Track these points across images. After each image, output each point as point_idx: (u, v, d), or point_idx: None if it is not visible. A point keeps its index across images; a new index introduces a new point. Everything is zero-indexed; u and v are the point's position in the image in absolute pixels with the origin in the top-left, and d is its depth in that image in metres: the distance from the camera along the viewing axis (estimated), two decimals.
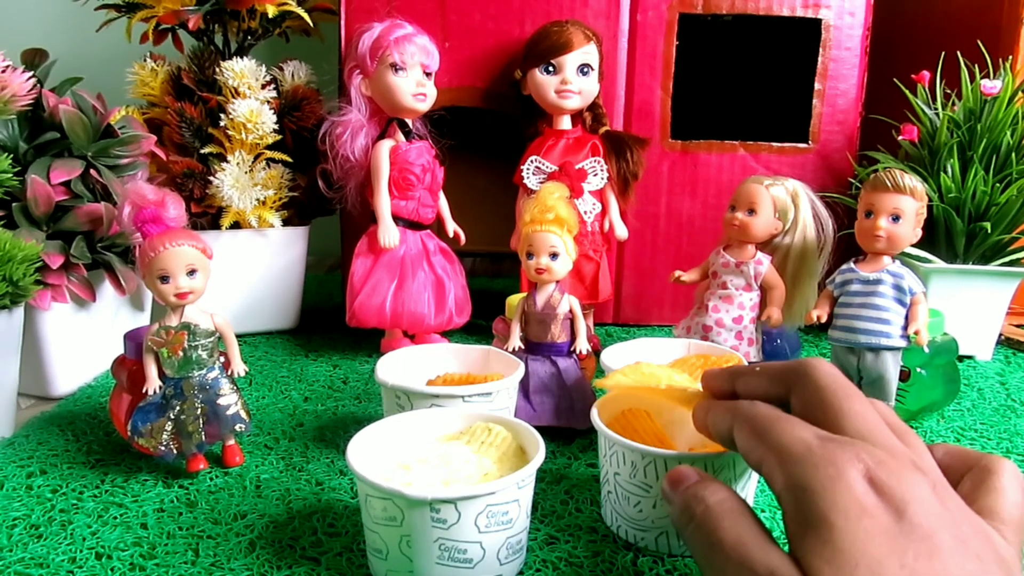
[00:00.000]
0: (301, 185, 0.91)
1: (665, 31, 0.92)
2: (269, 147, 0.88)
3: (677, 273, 0.75)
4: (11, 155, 0.68)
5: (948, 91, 0.88)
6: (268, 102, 0.86)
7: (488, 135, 0.99)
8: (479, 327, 0.95)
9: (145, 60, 0.90)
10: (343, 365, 0.84)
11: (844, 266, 0.66)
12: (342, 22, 0.91)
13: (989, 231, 0.83)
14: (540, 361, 0.66)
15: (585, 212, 0.86)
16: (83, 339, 0.76)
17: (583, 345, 0.65)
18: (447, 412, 0.52)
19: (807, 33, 0.94)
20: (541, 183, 0.84)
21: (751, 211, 0.70)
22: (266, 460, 0.61)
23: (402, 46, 0.81)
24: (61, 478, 0.57)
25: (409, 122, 0.85)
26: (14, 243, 0.63)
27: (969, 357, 0.88)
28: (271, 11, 0.88)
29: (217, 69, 0.86)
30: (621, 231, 0.89)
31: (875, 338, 0.63)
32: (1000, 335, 0.92)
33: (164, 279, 0.55)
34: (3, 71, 0.66)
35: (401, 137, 0.84)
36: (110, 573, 0.45)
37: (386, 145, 0.83)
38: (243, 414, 0.59)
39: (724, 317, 0.71)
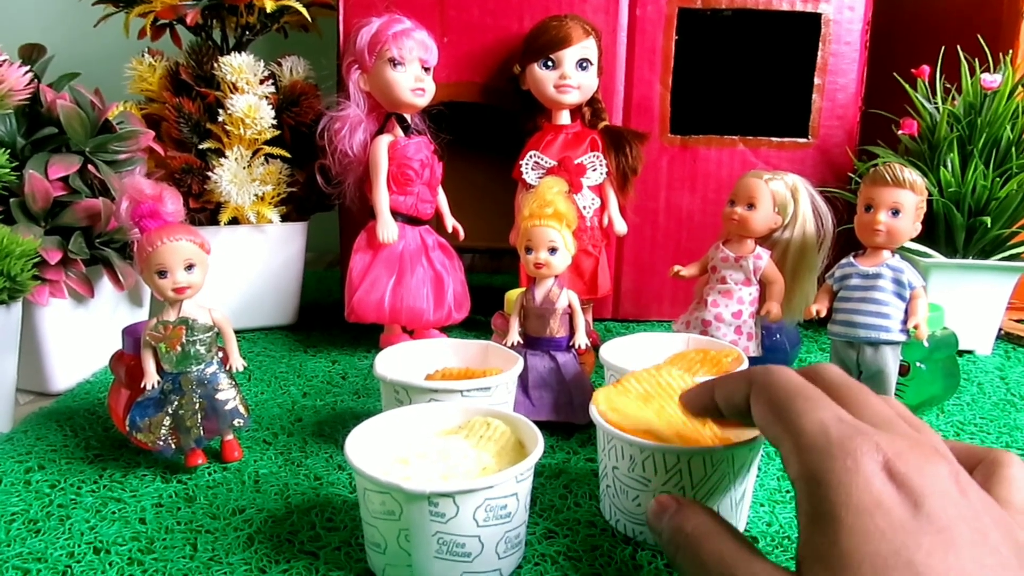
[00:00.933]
0: (299, 180, 0.91)
1: (664, 26, 0.92)
2: (267, 142, 0.88)
3: (676, 268, 0.75)
4: (9, 150, 0.68)
5: (948, 85, 0.88)
6: (266, 97, 0.86)
7: (487, 130, 0.99)
8: (478, 323, 0.95)
9: (143, 55, 0.90)
10: (342, 360, 0.84)
11: (843, 260, 0.66)
12: (340, 17, 0.91)
13: (989, 225, 0.83)
14: (539, 356, 0.66)
15: (584, 207, 0.86)
16: (81, 335, 0.76)
17: (582, 340, 0.65)
18: (445, 406, 0.52)
19: (807, 27, 0.93)
20: (540, 178, 0.84)
21: (750, 206, 0.70)
22: (265, 455, 0.61)
23: (400, 41, 0.81)
24: (59, 473, 0.57)
25: (408, 117, 0.85)
26: (12, 239, 0.63)
27: (969, 352, 0.88)
28: (269, 6, 0.88)
29: (215, 64, 0.86)
30: (620, 226, 0.89)
31: (875, 332, 0.62)
32: (1000, 330, 0.92)
33: (162, 274, 0.55)
34: (0, 66, 0.66)
35: (400, 132, 0.84)
36: (108, 568, 0.45)
37: (385, 140, 0.83)
38: (241, 409, 0.59)
39: (723, 312, 0.71)
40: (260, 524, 0.50)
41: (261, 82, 0.86)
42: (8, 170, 0.67)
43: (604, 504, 0.51)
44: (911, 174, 0.62)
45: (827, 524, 0.30)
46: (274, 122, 0.86)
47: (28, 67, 0.69)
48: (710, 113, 1.01)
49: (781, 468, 0.59)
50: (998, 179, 0.82)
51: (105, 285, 0.77)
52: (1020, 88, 0.83)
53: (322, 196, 0.90)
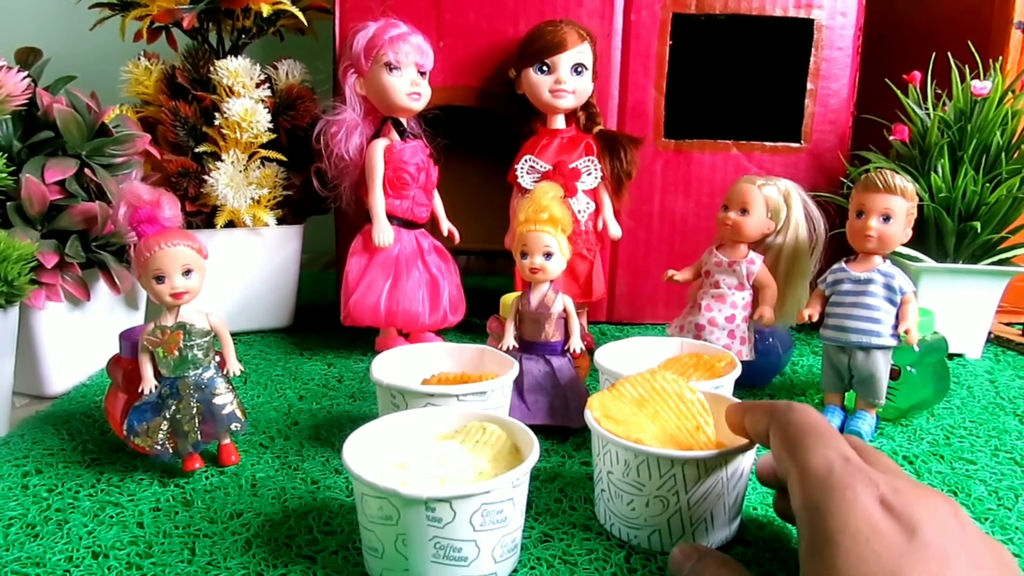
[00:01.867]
0: (296, 184, 0.92)
1: (659, 31, 0.93)
2: (264, 146, 0.88)
3: (670, 272, 0.75)
4: (5, 154, 0.68)
5: (939, 91, 0.89)
6: (262, 101, 0.86)
7: (482, 134, 0.99)
8: (474, 326, 0.95)
9: (139, 59, 0.90)
10: (338, 364, 0.85)
11: (835, 265, 0.66)
12: (336, 21, 0.91)
13: (979, 230, 0.84)
14: (534, 360, 0.66)
15: (579, 211, 0.86)
16: (78, 338, 0.77)
17: (577, 344, 0.66)
18: (442, 411, 0.52)
19: (799, 33, 0.94)
20: (535, 182, 0.84)
21: (744, 211, 0.70)
22: (262, 459, 0.61)
23: (396, 45, 0.81)
24: (57, 477, 0.57)
25: (404, 121, 0.85)
26: (8, 242, 0.63)
27: (959, 355, 0.89)
28: (265, 10, 0.88)
29: (211, 68, 0.86)
30: (615, 230, 0.89)
31: (866, 337, 0.63)
32: (990, 333, 0.93)
33: (160, 279, 0.55)
34: None
35: (396, 136, 0.84)
36: (107, 572, 0.46)
37: (381, 144, 0.83)
38: (239, 413, 0.59)
39: (717, 316, 0.72)
40: (257, 528, 0.51)
41: (257, 86, 0.87)
42: (5, 174, 0.67)
43: (599, 508, 0.52)
44: (902, 180, 0.62)
45: (825, 549, 0.32)
46: (270, 126, 0.87)
47: (25, 71, 0.70)
48: (704, 118, 1.02)
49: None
50: (988, 184, 0.83)
51: (101, 289, 0.77)
52: (1010, 94, 0.84)
53: (318, 199, 0.90)
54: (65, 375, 0.76)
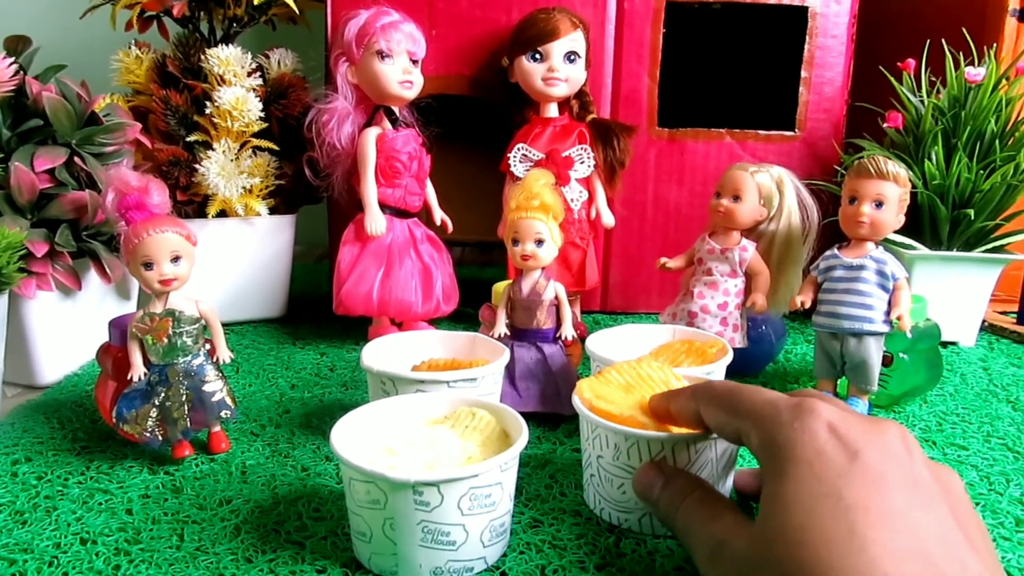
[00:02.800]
0: (288, 173, 0.91)
1: (652, 19, 0.92)
2: (255, 135, 0.87)
3: (663, 260, 0.75)
4: None
5: (933, 79, 0.89)
6: (254, 90, 0.86)
7: (475, 123, 0.99)
8: (467, 315, 0.95)
9: (130, 47, 0.90)
10: (330, 353, 0.85)
11: (828, 252, 0.66)
12: (328, 9, 0.91)
13: (973, 218, 0.83)
14: (526, 347, 0.66)
15: (572, 200, 0.86)
16: (69, 327, 0.76)
17: (568, 331, 0.66)
18: (431, 397, 0.52)
19: (793, 21, 0.94)
20: (528, 170, 0.84)
21: (736, 198, 0.70)
22: (252, 446, 0.61)
23: (388, 33, 0.81)
24: (46, 465, 0.57)
25: (396, 110, 0.85)
26: None
27: (953, 343, 0.89)
28: None
29: (202, 57, 0.86)
30: (608, 219, 0.89)
31: (858, 323, 0.63)
32: (983, 321, 0.92)
33: (148, 266, 0.55)
34: None
35: (388, 125, 0.84)
36: (95, 558, 0.45)
37: (372, 133, 0.83)
38: (228, 401, 0.59)
39: (709, 303, 0.72)
40: (247, 514, 0.50)
41: (249, 74, 0.86)
42: None
43: (588, 493, 0.52)
44: (895, 166, 0.62)
45: (777, 478, 0.34)
46: (262, 115, 0.86)
47: (13, 59, 0.69)
48: (697, 106, 1.02)
49: None
50: (982, 172, 0.83)
51: (92, 278, 0.77)
52: (1004, 81, 0.84)
53: (310, 189, 0.90)
54: (56, 365, 0.76)
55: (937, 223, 0.86)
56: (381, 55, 0.81)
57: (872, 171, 0.62)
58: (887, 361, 0.68)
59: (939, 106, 0.86)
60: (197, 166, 0.85)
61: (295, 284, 1.01)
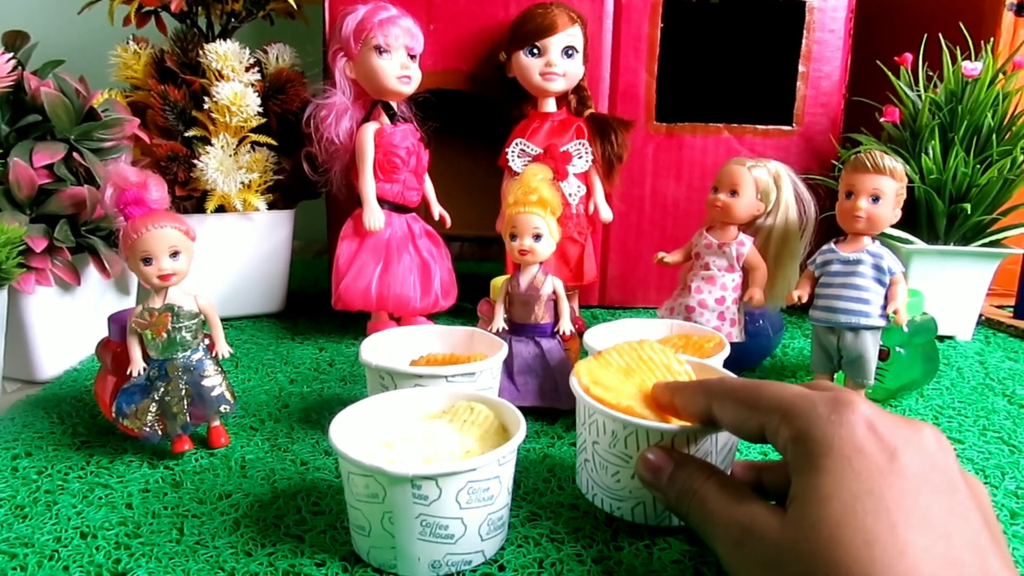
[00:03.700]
0: (286, 168, 0.91)
1: (650, 13, 0.92)
2: (254, 130, 0.87)
3: (660, 255, 0.75)
4: None
5: (930, 73, 0.89)
6: (252, 85, 0.86)
7: (473, 118, 0.99)
8: (466, 310, 0.95)
9: (128, 43, 0.89)
10: (329, 348, 0.85)
11: (825, 246, 0.66)
12: (326, 4, 0.91)
13: (970, 212, 0.84)
14: (524, 342, 0.66)
15: (570, 194, 0.86)
16: (68, 323, 0.76)
17: (566, 326, 0.66)
18: (430, 391, 0.53)
19: (791, 15, 0.94)
20: (526, 166, 0.84)
21: (733, 192, 0.70)
22: (251, 441, 0.61)
23: (386, 28, 0.81)
24: (46, 460, 0.57)
25: (394, 105, 0.85)
26: None
27: (950, 337, 0.89)
28: None
29: (200, 52, 0.86)
30: (606, 213, 0.89)
31: (855, 317, 0.63)
32: (980, 315, 0.93)
33: (147, 261, 0.55)
34: None
35: (386, 120, 0.84)
36: (95, 552, 0.46)
37: (371, 128, 0.83)
38: (228, 395, 0.59)
39: (707, 298, 0.72)
40: (246, 508, 0.51)
41: (247, 69, 0.86)
42: None
43: (581, 477, 0.52)
44: (891, 161, 0.62)
45: (811, 470, 0.33)
46: (260, 110, 0.86)
47: (12, 54, 0.69)
48: (695, 101, 1.02)
49: (762, 448, 0.60)
50: (979, 166, 0.83)
51: (91, 273, 0.77)
52: (1001, 76, 0.84)
53: (309, 184, 0.90)
54: (56, 360, 0.76)
55: (934, 217, 0.86)
56: (379, 50, 0.81)
57: (869, 166, 0.62)
58: (884, 355, 0.68)
59: (936, 101, 0.86)
60: (195, 161, 0.85)
61: (294, 279, 1.01)
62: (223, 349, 0.60)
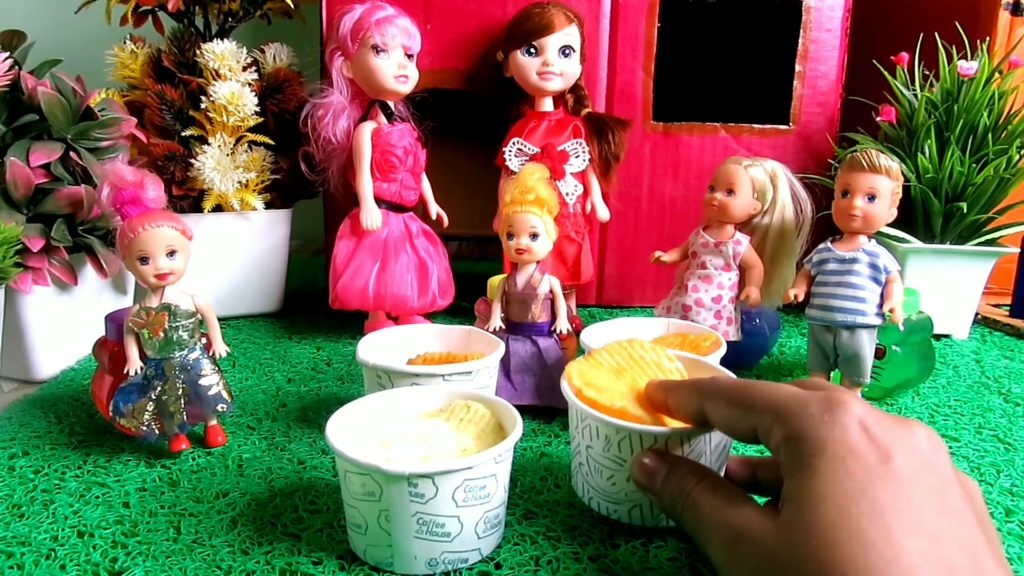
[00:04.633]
0: (283, 168, 0.91)
1: (647, 12, 0.92)
2: (251, 129, 0.88)
3: (657, 254, 0.75)
4: None
5: (926, 72, 0.89)
6: (249, 84, 0.86)
7: (470, 117, 0.99)
8: (463, 309, 0.96)
9: (125, 42, 0.90)
10: (326, 347, 0.85)
11: (821, 245, 0.67)
12: (323, 4, 0.91)
13: (966, 211, 0.84)
14: (521, 341, 0.66)
15: (567, 194, 0.86)
16: (65, 322, 0.76)
17: (563, 325, 0.66)
18: (426, 390, 0.53)
19: (788, 15, 0.94)
20: (522, 165, 0.84)
21: (730, 191, 0.70)
22: (249, 440, 0.61)
23: (383, 28, 0.81)
24: (43, 459, 0.58)
25: (391, 104, 0.85)
26: None
27: (946, 336, 0.90)
28: None
29: (198, 51, 0.86)
30: (603, 213, 0.89)
31: (851, 316, 0.63)
32: (976, 314, 0.93)
33: (144, 260, 0.55)
34: None
35: (383, 119, 0.84)
36: (92, 551, 0.46)
37: (368, 127, 0.83)
38: (225, 394, 0.59)
39: (703, 296, 0.72)
40: (243, 507, 0.51)
41: (244, 69, 0.86)
42: None
43: (576, 481, 0.52)
44: (887, 160, 0.62)
45: (804, 471, 0.33)
46: (257, 109, 0.86)
47: (8, 54, 0.69)
48: (692, 100, 1.02)
49: (756, 449, 0.60)
50: (975, 165, 0.83)
51: (88, 273, 0.77)
52: (997, 75, 0.84)
53: (306, 183, 0.90)
54: (53, 360, 0.76)
55: (930, 216, 0.86)
56: (376, 49, 0.81)
57: (865, 165, 0.63)
58: (880, 354, 0.68)
59: (932, 100, 0.86)
60: (193, 161, 0.85)
61: (291, 279, 1.01)
62: (220, 348, 0.60)
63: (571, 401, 0.49)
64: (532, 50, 0.85)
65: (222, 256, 0.91)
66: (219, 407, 0.59)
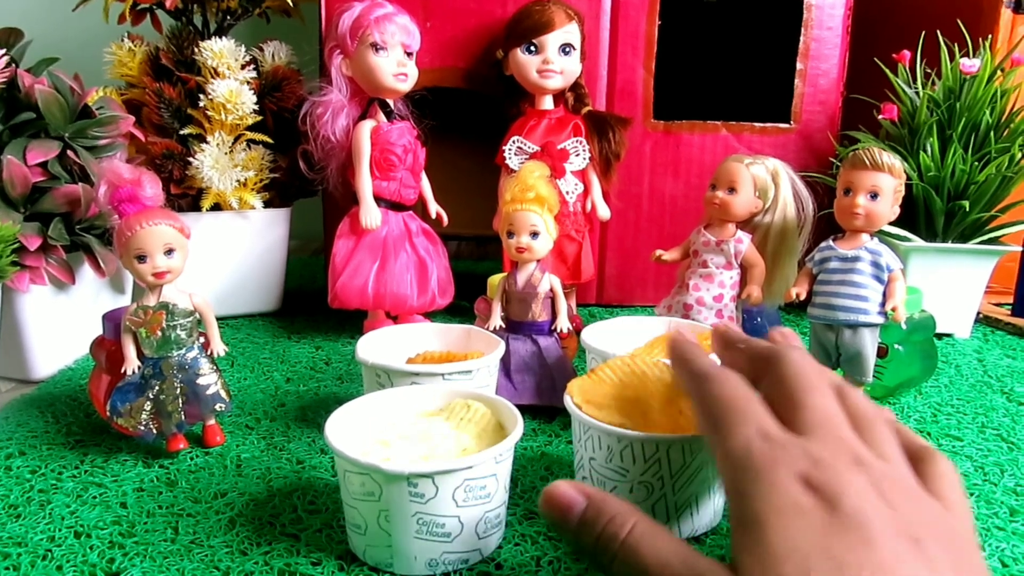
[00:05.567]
0: (282, 166, 0.91)
1: (647, 10, 0.92)
2: (249, 128, 0.87)
3: (658, 252, 0.75)
4: None
5: (928, 70, 0.88)
6: (248, 83, 0.86)
7: (470, 115, 0.99)
8: (463, 309, 0.95)
9: (123, 40, 0.89)
10: (325, 346, 0.84)
11: (823, 244, 0.66)
12: (322, 1, 0.90)
13: (968, 209, 0.83)
14: (521, 340, 0.66)
15: (567, 192, 0.86)
16: (63, 322, 0.76)
17: (564, 324, 0.66)
18: (426, 389, 0.52)
19: (789, 13, 0.93)
20: (523, 163, 0.83)
21: (731, 190, 0.70)
22: (247, 440, 0.61)
23: (383, 25, 0.80)
24: (40, 459, 0.57)
25: (390, 102, 0.84)
26: None
27: (948, 335, 0.89)
28: None
29: (196, 49, 0.86)
30: (603, 211, 0.89)
31: (853, 315, 0.63)
32: (979, 313, 0.93)
33: (141, 258, 0.55)
34: None
35: (382, 117, 0.84)
36: (89, 551, 0.45)
37: (367, 126, 0.83)
38: (223, 394, 0.59)
39: (705, 295, 0.72)
40: (242, 507, 0.50)
41: (243, 67, 0.86)
42: None
43: None
44: (889, 158, 0.62)
45: (754, 526, 0.31)
46: (256, 107, 0.86)
47: (5, 52, 0.69)
48: (693, 98, 1.01)
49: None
50: (977, 163, 0.83)
51: (86, 272, 0.76)
52: (999, 73, 0.84)
53: (305, 182, 0.90)
54: (50, 359, 0.75)
55: (932, 215, 0.86)
56: (375, 47, 0.80)
57: (867, 162, 0.62)
58: (882, 352, 0.68)
59: (934, 98, 0.86)
60: (191, 159, 0.85)
61: (290, 278, 1.01)
62: (218, 347, 0.60)
63: (573, 414, 0.49)
64: (532, 48, 0.84)
65: (220, 255, 0.90)
66: (217, 406, 0.58)
